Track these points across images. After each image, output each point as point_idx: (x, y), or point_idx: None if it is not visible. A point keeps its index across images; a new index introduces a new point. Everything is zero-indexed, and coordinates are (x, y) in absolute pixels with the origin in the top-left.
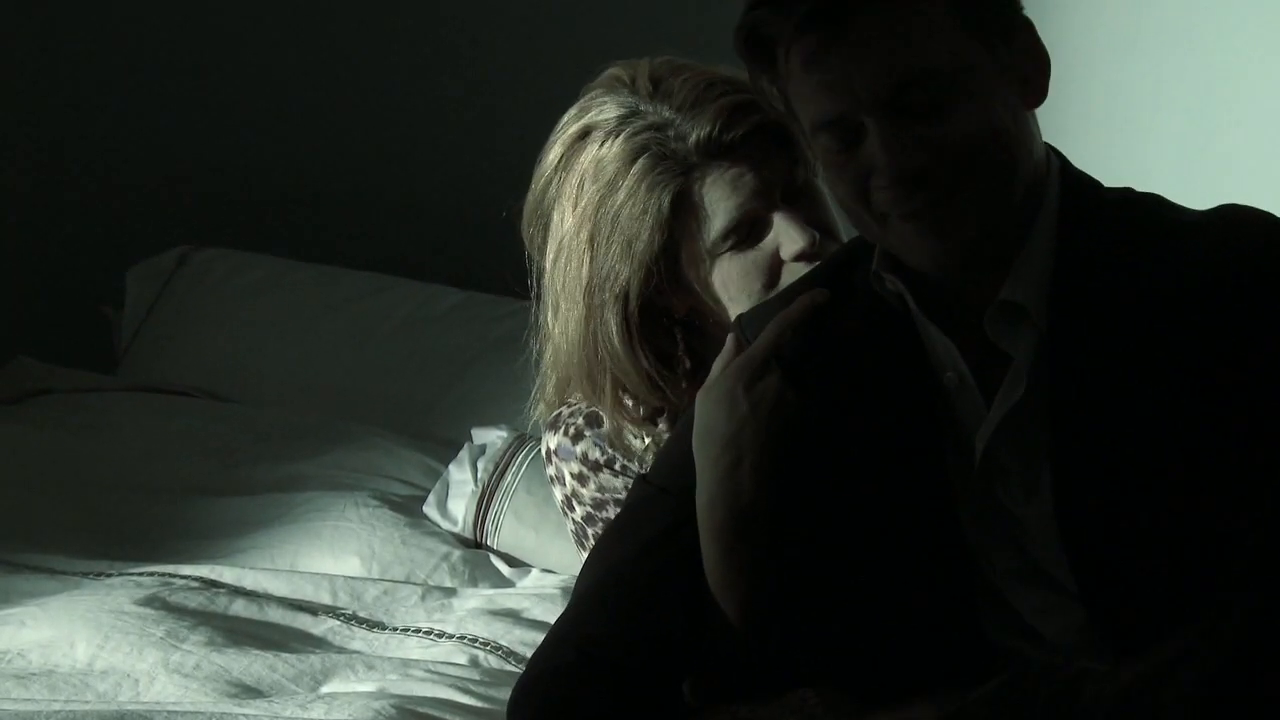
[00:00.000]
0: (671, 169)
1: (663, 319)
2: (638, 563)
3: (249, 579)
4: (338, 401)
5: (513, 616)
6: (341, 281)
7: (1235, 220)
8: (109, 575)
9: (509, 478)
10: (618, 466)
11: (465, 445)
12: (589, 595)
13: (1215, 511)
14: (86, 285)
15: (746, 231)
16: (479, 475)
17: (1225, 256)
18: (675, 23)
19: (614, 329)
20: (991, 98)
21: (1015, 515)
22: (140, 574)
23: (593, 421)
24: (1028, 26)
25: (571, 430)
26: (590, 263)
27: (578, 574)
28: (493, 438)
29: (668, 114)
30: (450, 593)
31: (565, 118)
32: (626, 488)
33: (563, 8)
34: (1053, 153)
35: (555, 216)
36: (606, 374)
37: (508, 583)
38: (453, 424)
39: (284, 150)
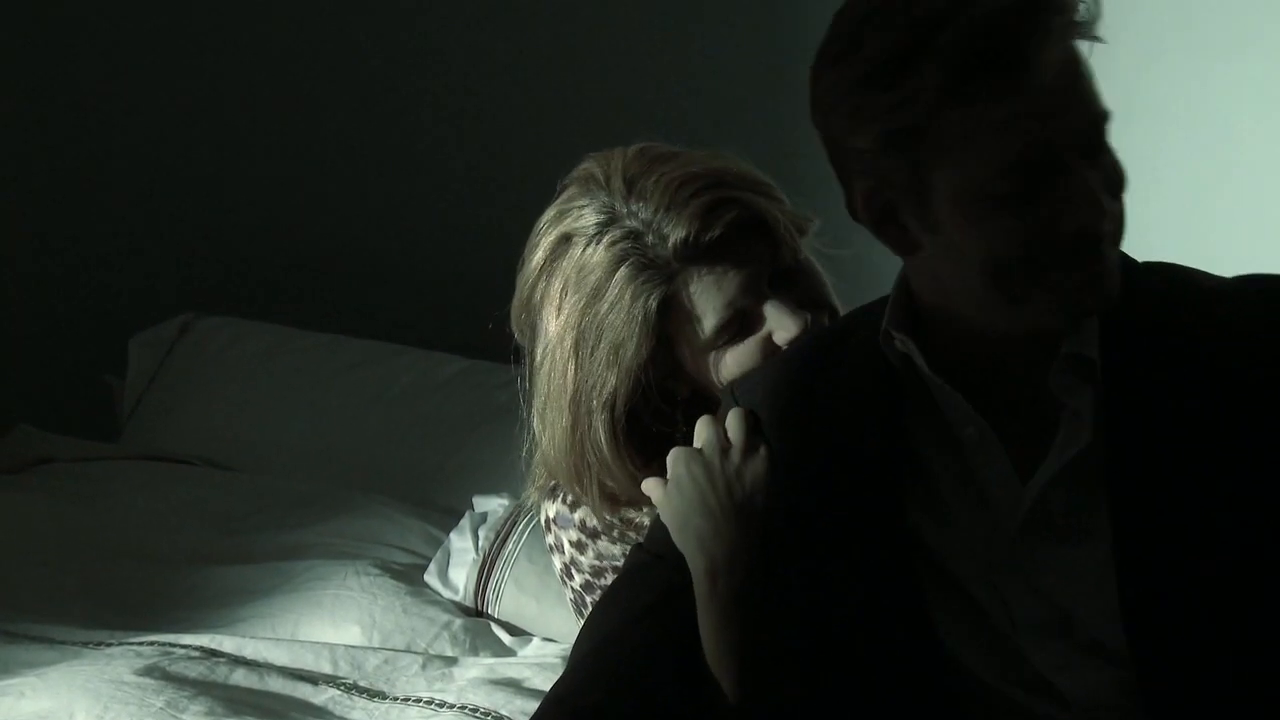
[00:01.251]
0: (654, 277)
1: (664, 403)
2: (632, 630)
3: (249, 648)
4: (339, 469)
5: (514, 686)
6: (343, 349)
7: (1275, 288)
8: (109, 645)
9: (510, 546)
10: (615, 534)
11: (467, 513)
12: (584, 663)
13: (1269, 565)
14: (89, 354)
15: (738, 327)
16: (480, 543)
17: (1271, 319)
18: (675, 106)
19: (603, 437)
20: None
21: (1054, 562)
22: (140, 643)
23: None
24: None
25: (569, 498)
26: (576, 371)
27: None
28: (494, 506)
29: (645, 215)
30: (451, 662)
31: (543, 220)
32: (625, 555)
33: (564, 79)
34: None
35: (540, 322)
36: (593, 478)
37: (509, 651)
38: (455, 492)
39: (286, 219)
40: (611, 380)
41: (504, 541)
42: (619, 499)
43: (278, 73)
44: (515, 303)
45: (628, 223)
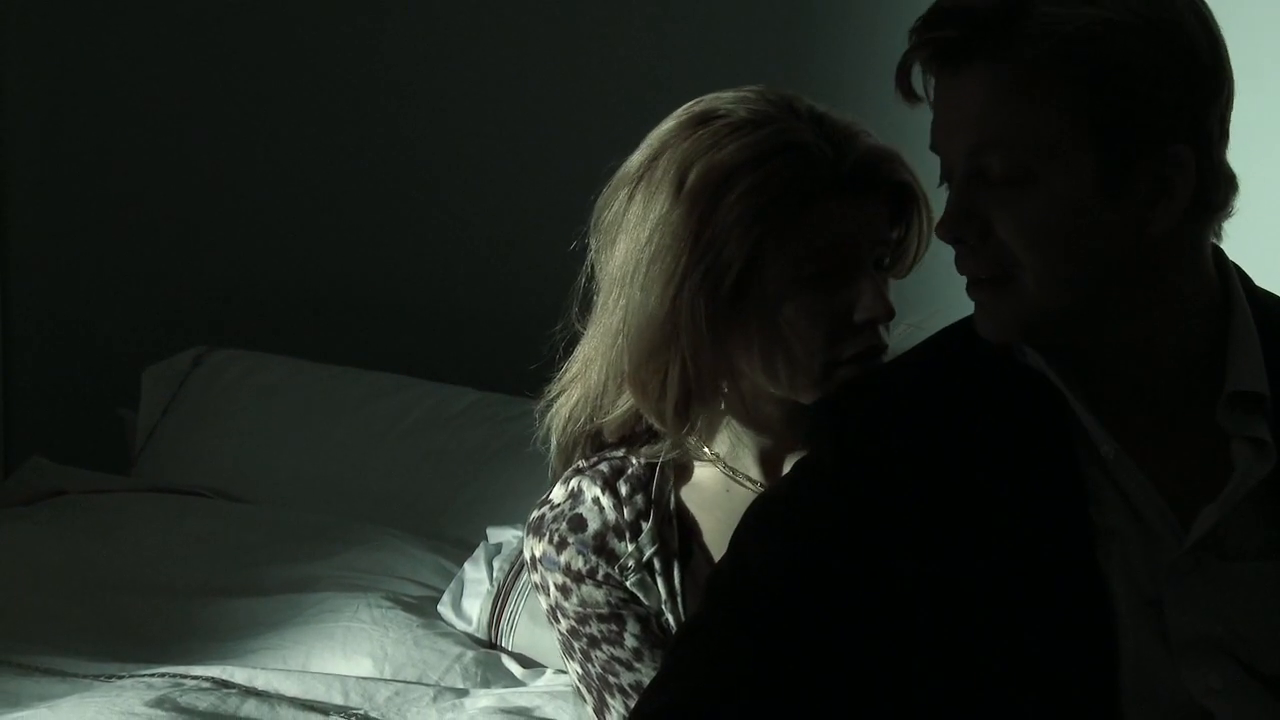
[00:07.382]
0: (804, 180)
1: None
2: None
3: (260, 679)
4: (351, 502)
5: (525, 715)
6: (355, 382)
7: None
8: (119, 677)
9: (525, 577)
10: (600, 576)
11: (481, 544)
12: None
13: None
14: (102, 386)
15: (831, 267)
16: (494, 574)
17: None
18: None
19: (703, 307)
20: (1068, 194)
21: (1226, 580)
22: (151, 675)
23: (576, 526)
24: (1175, 159)
25: (555, 538)
26: (699, 231)
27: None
28: (508, 537)
29: (814, 130)
30: (462, 693)
31: (670, 118)
32: (608, 600)
33: (581, 109)
34: (1223, 258)
35: (652, 195)
36: (677, 356)
37: (520, 684)
38: (467, 524)
39: (299, 251)
40: (735, 247)
41: (518, 572)
42: (691, 396)
43: (293, 104)
44: (618, 178)
45: (789, 135)
